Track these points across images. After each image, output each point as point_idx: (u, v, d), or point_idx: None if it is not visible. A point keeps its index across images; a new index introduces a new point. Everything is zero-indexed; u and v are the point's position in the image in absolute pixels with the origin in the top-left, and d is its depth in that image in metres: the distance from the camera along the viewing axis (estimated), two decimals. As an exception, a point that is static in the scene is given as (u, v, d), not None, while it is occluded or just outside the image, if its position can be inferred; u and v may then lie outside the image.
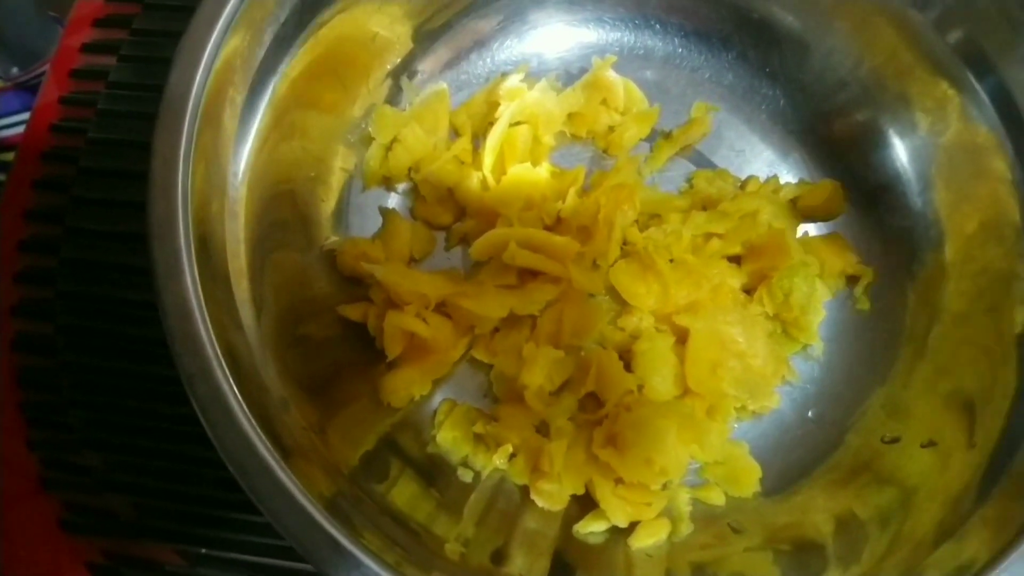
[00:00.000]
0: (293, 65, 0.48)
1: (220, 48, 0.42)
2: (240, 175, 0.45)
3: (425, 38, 0.55)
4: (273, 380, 0.42)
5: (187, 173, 0.39)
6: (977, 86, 0.50)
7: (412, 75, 0.56)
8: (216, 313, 0.38)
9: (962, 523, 0.42)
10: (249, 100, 0.45)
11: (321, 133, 0.52)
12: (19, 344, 0.53)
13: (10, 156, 0.84)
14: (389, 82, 0.55)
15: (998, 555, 0.38)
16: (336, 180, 0.54)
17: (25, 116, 0.84)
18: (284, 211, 0.49)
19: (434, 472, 0.49)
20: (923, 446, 0.48)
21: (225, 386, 0.36)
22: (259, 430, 0.36)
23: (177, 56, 0.41)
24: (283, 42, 0.46)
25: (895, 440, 0.49)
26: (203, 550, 0.48)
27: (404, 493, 0.46)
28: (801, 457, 0.51)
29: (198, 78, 0.41)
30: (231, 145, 0.44)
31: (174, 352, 0.36)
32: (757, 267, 0.52)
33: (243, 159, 0.45)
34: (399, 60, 0.55)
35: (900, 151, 0.54)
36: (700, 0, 0.58)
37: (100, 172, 0.56)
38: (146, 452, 0.50)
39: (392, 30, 0.53)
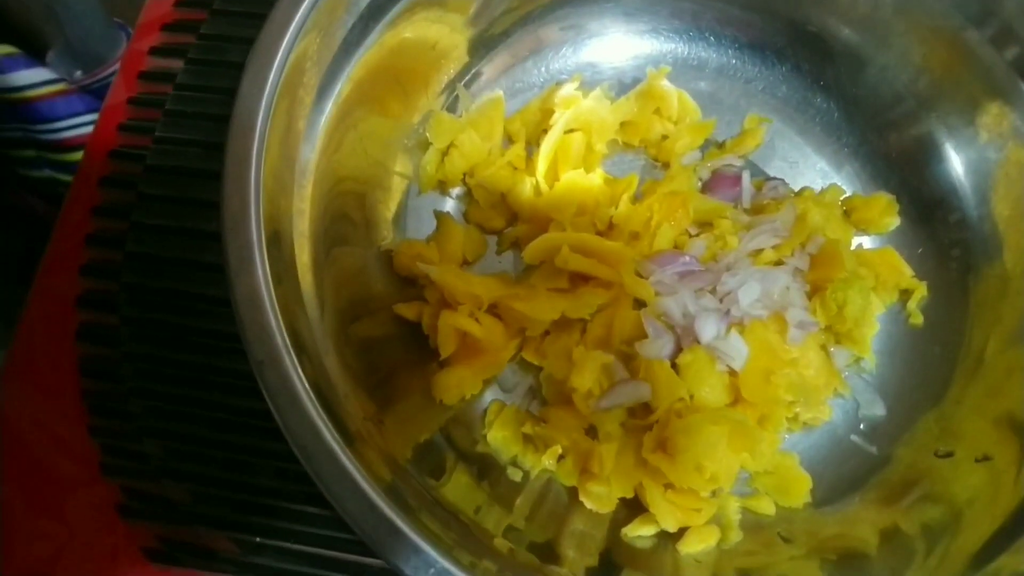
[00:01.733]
0: (358, 69, 0.49)
1: (291, 52, 0.43)
2: (307, 174, 0.46)
3: (483, 46, 0.57)
4: (335, 371, 0.43)
5: (259, 171, 0.40)
6: (1035, 102, 0.50)
7: (469, 83, 0.57)
8: (285, 304, 0.39)
9: (1013, 539, 0.41)
10: (317, 102, 0.46)
11: (381, 137, 0.54)
12: (83, 334, 0.55)
13: (73, 156, 0.88)
14: (447, 90, 0.57)
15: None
16: (394, 183, 0.55)
17: (87, 118, 0.87)
18: (345, 211, 0.50)
19: (485, 469, 0.50)
20: (977, 461, 0.48)
21: (293, 373, 0.37)
22: (324, 417, 0.37)
23: (251, 59, 0.43)
24: (350, 47, 0.48)
25: (949, 454, 0.49)
26: (257, 539, 0.49)
27: (456, 486, 0.47)
28: (852, 470, 0.51)
29: (271, 80, 0.42)
30: (299, 145, 0.45)
31: (245, 340, 0.37)
32: (811, 278, 0.52)
33: (309, 159, 0.46)
34: (457, 69, 0.56)
35: (956, 165, 0.54)
36: (755, 13, 0.58)
37: (166, 170, 0.57)
38: (204, 441, 0.51)
39: (451, 39, 0.55)
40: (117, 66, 0.91)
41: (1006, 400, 0.48)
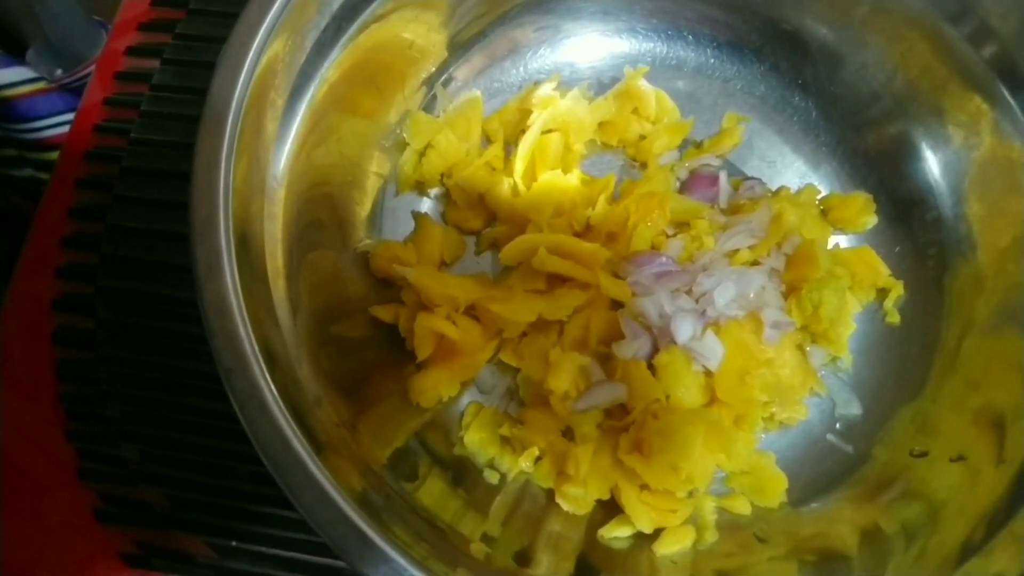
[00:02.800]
0: (332, 70, 0.49)
1: (262, 53, 0.43)
2: (279, 177, 0.46)
3: (460, 46, 0.56)
4: (307, 377, 0.43)
5: (228, 174, 0.40)
6: (1011, 101, 0.50)
7: (447, 82, 0.57)
8: (254, 310, 0.39)
9: (990, 538, 0.42)
10: (289, 104, 0.46)
11: (357, 138, 0.53)
12: (59, 337, 0.55)
13: (54, 155, 0.87)
14: (424, 89, 0.56)
15: (1028, 571, 0.37)
16: (370, 184, 0.55)
17: (68, 117, 0.87)
18: (320, 213, 0.50)
19: (461, 472, 0.50)
20: (952, 460, 0.48)
21: (262, 381, 0.37)
22: (294, 425, 0.36)
23: (221, 60, 0.42)
24: (323, 48, 0.47)
25: (924, 454, 0.49)
26: (234, 543, 0.49)
27: (431, 492, 0.47)
28: (828, 469, 0.51)
29: (240, 82, 0.42)
30: (271, 148, 0.45)
31: (213, 348, 0.37)
32: (787, 278, 0.52)
33: (282, 162, 0.46)
34: (434, 68, 0.56)
35: (933, 164, 0.54)
36: (733, 12, 0.58)
37: (142, 172, 0.57)
38: (181, 446, 0.51)
39: (428, 38, 0.55)
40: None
41: (980, 397, 0.48)
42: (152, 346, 0.53)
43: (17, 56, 0.84)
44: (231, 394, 0.37)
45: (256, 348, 0.37)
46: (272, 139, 0.45)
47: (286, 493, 0.36)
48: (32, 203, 0.95)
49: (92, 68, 0.90)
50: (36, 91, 0.85)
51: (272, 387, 0.37)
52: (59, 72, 0.89)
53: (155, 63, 0.61)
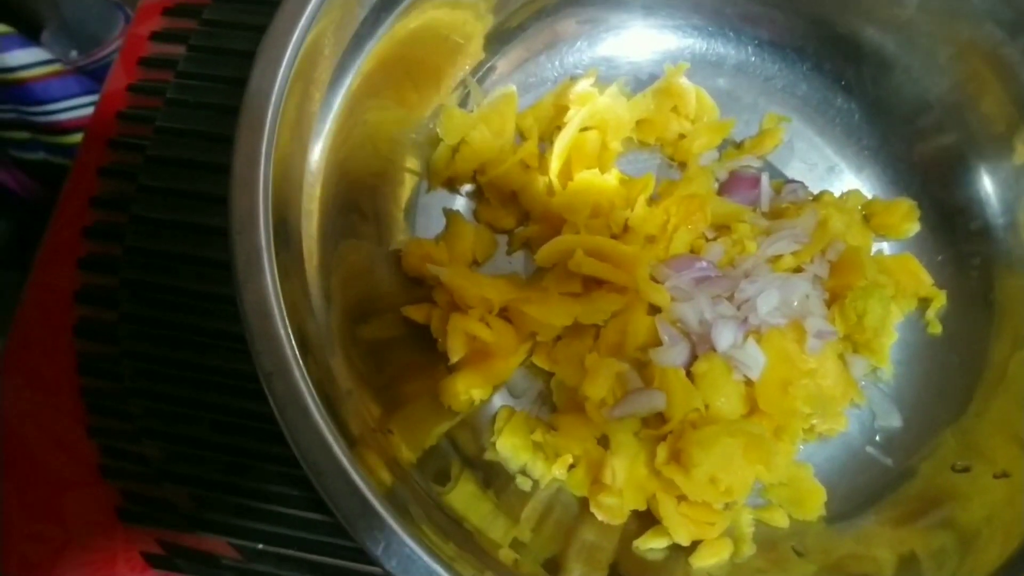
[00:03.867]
0: (368, 62, 0.47)
1: (301, 45, 0.42)
2: (315, 172, 0.45)
3: (497, 40, 0.55)
4: (341, 372, 0.42)
5: (268, 170, 0.39)
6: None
7: (485, 75, 0.56)
8: (292, 305, 0.38)
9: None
10: (326, 98, 0.45)
11: (391, 133, 0.52)
12: (81, 330, 0.53)
13: (68, 139, 0.86)
14: (459, 84, 0.55)
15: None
16: (403, 180, 0.53)
17: (83, 100, 0.85)
18: (353, 209, 0.49)
19: (491, 476, 0.49)
20: (996, 477, 0.47)
21: (302, 385, 0.36)
22: (332, 425, 0.35)
23: (260, 53, 0.41)
24: (361, 39, 0.46)
25: (966, 469, 0.48)
26: (260, 545, 0.48)
27: (461, 494, 0.46)
28: (867, 482, 0.50)
29: (280, 76, 0.41)
30: (308, 143, 0.44)
31: (254, 351, 0.36)
32: (830, 285, 0.51)
33: (318, 156, 0.45)
34: (472, 63, 0.54)
35: (984, 177, 0.53)
36: (777, 10, 0.57)
37: (168, 161, 0.56)
38: (206, 444, 0.50)
39: (466, 30, 0.53)
40: (114, 47, 0.89)
41: (1027, 415, 0.47)
42: (176, 341, 0.52)
43: (33, 37, 0.82)
44: (271, 397, 0.36)
45: (296, 349, 0.36)
46: (309, 134, 0.44)
47: (324, 498, 0.35)
48: (42, 186, 0.94)
49: (109, 50, 0.89)
50: (51, 73, 0.83)
51: (312, 390, 0.36)
52: (74, 54, 0.88)
53: (180, 49, 0.59)
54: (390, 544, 0.35)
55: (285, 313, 0.37)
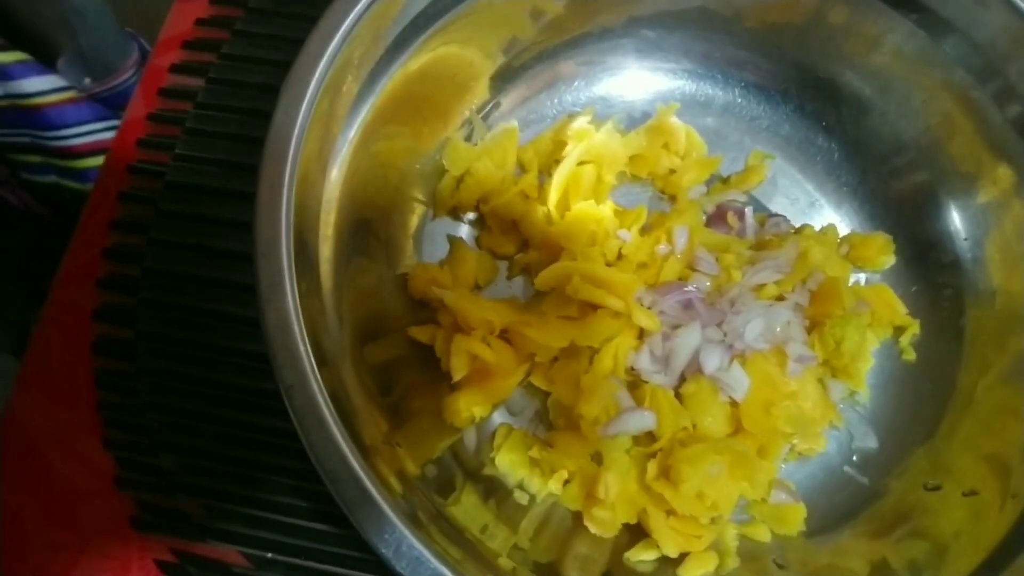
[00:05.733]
0: (382, 98, 0.50)
1: (322, 83, 0.45)
2: (331, 201, 0.48)
3: (501, 79, 0.58)
4: (353, 387, 0.44)
5: (291, 196, 0.42)
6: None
7: (487, 114, 0.59)
8: (310, 324, 0.40)
9: (998, 571, 0.43)
10: (343, 131, 0.48)
11: (400, 164, 0.55)
12: (99, 347, 0.56)
13: (79, 163, 0.88)
14: (465, 120, 0.58)
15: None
16: (411, 208, 0.57)
17: (96, 126, 0.88)
18: (365, 235, 0.52)
19: (491, 490, 0.51)
20: (965, 495, 0.50)
21: (319, 398, 0.39)
22: (348, 437, 0.38)
23: (284, 89, 0.44)
24: (376, 77, 0.49)
25: (937, 488, 0.51)
26: (269, 555, 0.50)
27: (463, 506, 0.48)
28: (844, 500, 0.53)
29: (303, 111, 0.44)
30: (325, 173, 0.47)
31: (275, 364, 0.39)
32: (810, 313, 0.54)
33: (333, 186, 0.48)
34: (477, 100, 0.58)
35: (954, 215, 0.57)
36: (762, 56, 0.60)
37: (185, 187, 0.58)
38: (219, 457, 0.52)
39: (471, 72, 0.57)
40: (127, 75, 0.92)
41: (995, 438, 0.50)
42: (191, 358, 0.54)
43: (48, 65, 0.85)
44: (291, 409, 0.38)
45: (314, 363, 0.39)
46: (326, 164, 0.47)
47: (341, 505, 0.38)
48: (52, 209, 0.97)
49: (121, 79, 0.92)
50: (66, 100, 0.86)
51: (329, 403, 0.38)
52: (88, 81, 0.91)
53: (198, 81, 0.62)
54: (400, 547, 0.37)
55: (304, 330, 0.40)
